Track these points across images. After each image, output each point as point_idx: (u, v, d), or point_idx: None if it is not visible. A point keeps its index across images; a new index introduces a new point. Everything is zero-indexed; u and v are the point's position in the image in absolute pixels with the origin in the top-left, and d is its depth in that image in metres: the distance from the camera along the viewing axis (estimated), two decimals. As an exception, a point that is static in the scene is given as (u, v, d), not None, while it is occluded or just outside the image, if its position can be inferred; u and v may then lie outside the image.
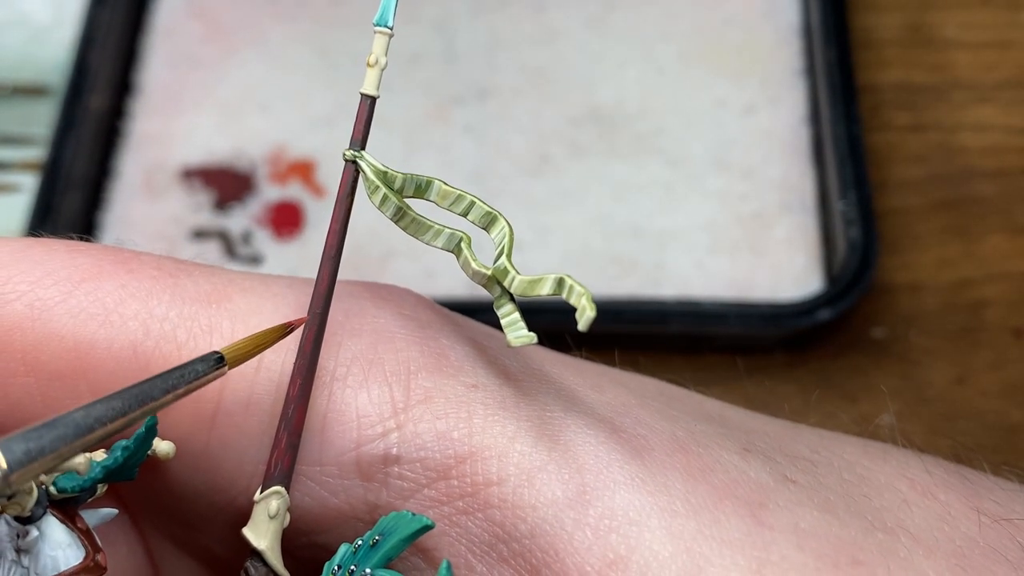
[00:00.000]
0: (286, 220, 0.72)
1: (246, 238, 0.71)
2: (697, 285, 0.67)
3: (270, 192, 0.72)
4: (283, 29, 0.78)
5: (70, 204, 0.70)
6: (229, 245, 0.71)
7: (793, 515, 0.34)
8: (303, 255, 0.70)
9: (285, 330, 0.34)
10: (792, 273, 0.67)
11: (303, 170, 0.73)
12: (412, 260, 0.69)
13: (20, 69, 0.79)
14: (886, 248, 0.68)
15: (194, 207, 0.72)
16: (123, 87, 0.76)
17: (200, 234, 0.71)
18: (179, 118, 0.75)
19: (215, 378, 0.32)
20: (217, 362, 0.32)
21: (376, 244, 0.69)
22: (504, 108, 0.74)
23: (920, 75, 0.74)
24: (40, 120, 0.76)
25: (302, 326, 0.35)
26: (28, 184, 0.73)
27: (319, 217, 0.71)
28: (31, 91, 0.78)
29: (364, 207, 0.68)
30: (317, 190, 0.72)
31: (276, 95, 0.76)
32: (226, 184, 0.73)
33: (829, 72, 0.70)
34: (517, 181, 0.71)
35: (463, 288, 0.67)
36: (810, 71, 0.73)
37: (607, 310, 0.64)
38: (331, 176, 0.73)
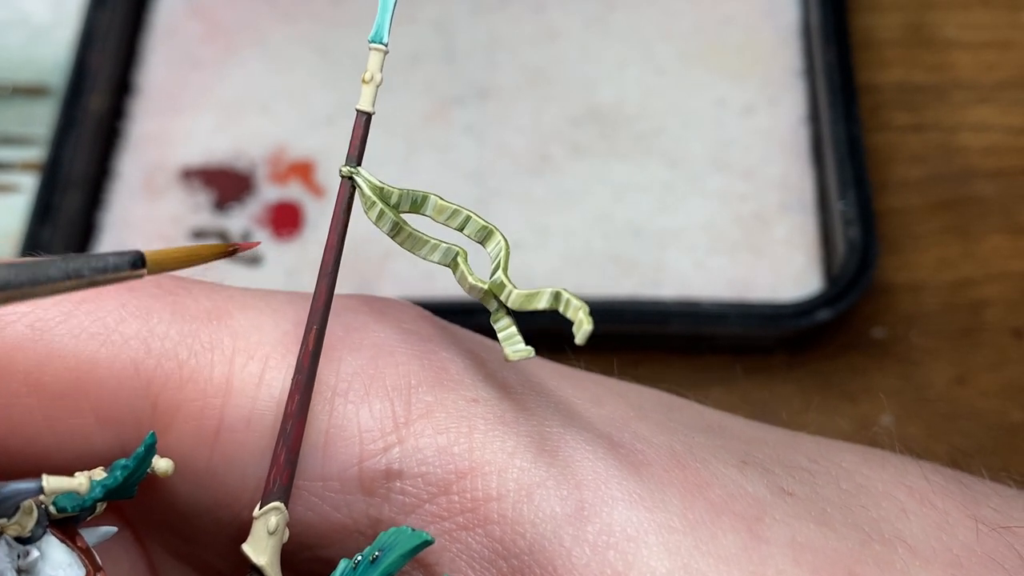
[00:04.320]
0: (286, 220, 0.72)
1: (245, 238, 0.71)
2: (697, 285, 0.67)
3: (270, 192, 0.72)
4: (283, 29, 0.78)
5: (70, 204, 0.70)
6: (229, 245, 0.71)
7: (790, 529, 0.34)
8: (302, 255, 0.70)
9: (227, 250, 0.33)
10: (792, 273, 0.67)
11: (303, 170, 0.73)
12: (411, 261, 0.68)
13: (20, 69, 0.79)
14: (886, 248, 0.68)
15: (194, 207, 0.72)
16: (123, 87, 0.76)
17: (199, 234, 0.71)
18: (179, 118, 0.75)
19: (128, 278, 0.29)
20: (134, 264, 0.29)
21: (375, 245, 0.69)
22: (504, 108, 0.74)
23: (920, 75, 0.74)
24: (40, 120, 0.76)
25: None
26: (28, 184, 0.73)
27: (319, 217, 0.71)
28: (31, 91, 0.78)
29: (362, 210, 0.69)
30: (317, 190, 0.72)
31: (276, 95, 0.76)
32: (226, 184, 0.73)
33: (829, 72, 0.70)
34: (517, 181, 0.71)
35: (459, 293, 0.67)
36: (810, 71, 0.73)
37: (607, 310, 0.64)
38: (331, 176, 0.73)
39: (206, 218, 0.72)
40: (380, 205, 0.35)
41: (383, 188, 0.35)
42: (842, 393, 0.65)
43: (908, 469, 0.38)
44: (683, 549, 0.33)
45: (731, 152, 0.72)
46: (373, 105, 0.35)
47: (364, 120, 0.35)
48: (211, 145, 0.74)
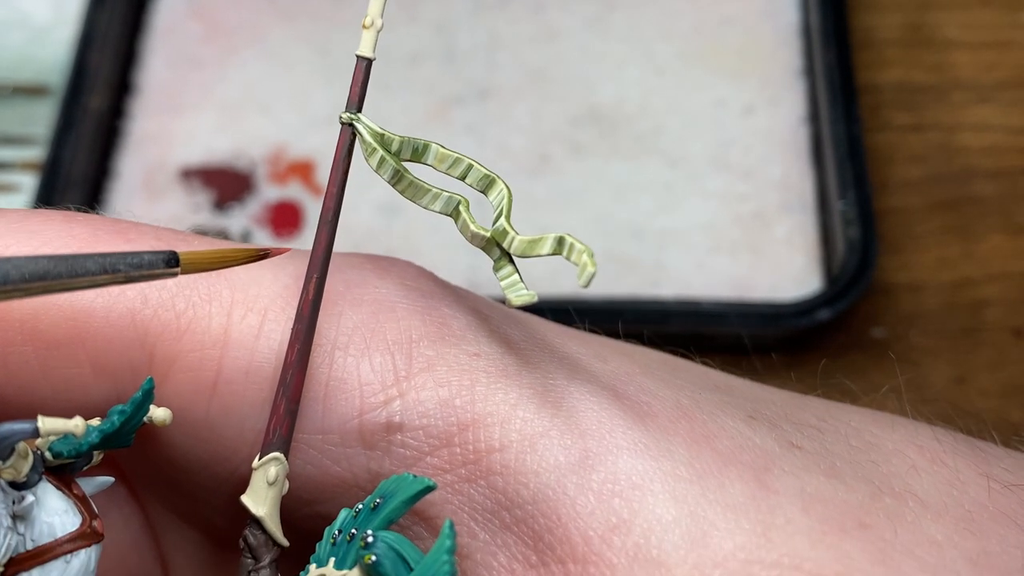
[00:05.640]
0: (285, 220, 0.72)
1: (245, 238, 0.71)
2: (697, 285, 0.67)
3: (269, 192, 0.72)
4: (283, 29, 0.78)
5: (70, 204, 0.69)
6: (228, 246, 0.71)
7: (799, 480, 0.34)
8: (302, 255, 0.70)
9: (258, 254, 0.34)
10: (792, 273, 0.67)
11: (303, 170, 0.73)
12: (411, 258, 0.68)
13: (20, 69, 0.79)
14: (886, 248, 0.68)
15: (193, 207, 0.72)
16: (123, 87, 0.76)
17: (199, 234, 0.71)
18: (179, 118, 0.75)
19: (162, 276, 0.31)
20: (168, 262, 0.31)
21: (375, 243, 0.69)
22: (504, 108, 0.74)
23: (920, 75, 0.74)
24: (40, 120, 0.76)
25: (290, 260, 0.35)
26: (28, 184, 0.73)
27: (318, 217, 0.71)
28: (31, 91, 0.78)
29: (363, 207, 0.68)
30: (317, 190, 0.72)
31: (276, 95, 0.76)
32: (225, 184, 0.73)
33: (829, 72, 0.70)
34: (517, 181, 0.71)
35: (461, 284, 0.67)
36: (810, 71, 0.74)
37: (607, 310, 0.64)
38: (331, 176, 0.73)
39: (206, 218, 0.72)
40: (381, 152, 0.35)
41: (384, 135, 0.35)
42: (842, 393, 0.65)
43: (919, 430, 0.38)
44: (690, 497, 0.32)
45: (731, 152, 0.72)
46: (374, 51, 0.35)
47: (365, 66, 0.35)
48: (211, 145, 0.74)
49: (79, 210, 0.69)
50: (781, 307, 0.64)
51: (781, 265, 0.68)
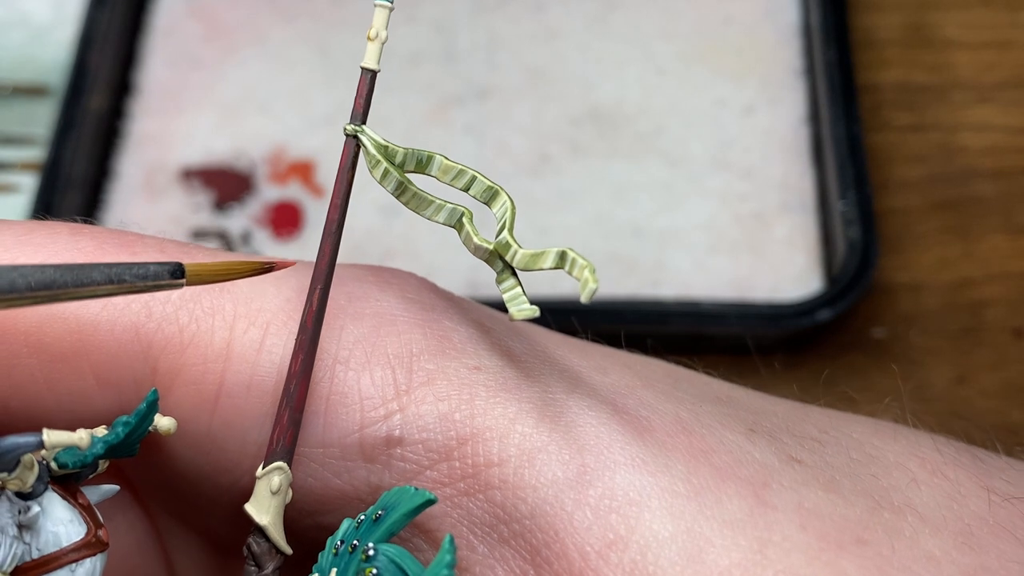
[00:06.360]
0: (285, 220, 0.72)
1: (245, 238, 0.71)
2: (697, 285, 0.67)
3: (270, 192, 0.72)
4: (283, 29, 0.78)
5: (70, 204, 0.70)
6: (228, 245, 0.71)
7: (797, 495, 0.34)
8: (302, 256, 0.69)
9: (263, 267, 0.34)
10: (792, 273, 0.67)
11: (303, 170, 0.73)
12: (411, 260, 0.69)
13: (20, 69, 0.79)
14: (886, 248, 0.68)
15: (193, 207, 0.72)
16: (123, 87, 0.76)
17: (199, 234, 0.71)
18: (179, 118, 0.75)
19: (167, 288, 0.31)
20: (173, 274, 0.31)
21: (375, 244, 0.69)
22: (504, 108, 0.74)
23: (920, 75, 0.74)
24: (40, 120, 0.76)
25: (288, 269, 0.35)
26: (28, 184, 0.73)
27: (318, 217, 0.71)
28: (31, 91, 0.78)
29: (362, 208, 0.68)
30: (317, 190, 0.72)
31: (276, 95, 0.76)
32: (226, 184, 0.73)
33: (829, 72, 0.70)
34: (517, 181, 0.71)
35: (463, 288, 0.67)
36: (810, 71, 0.74)
37: (607, 310, 0.64)
38: (331, 176, 0.72)
39: (206, 218, 0.72)
40: (385, 164, 0.35)
41: (388, 147, 0.35)
42: (842, 393, 0.65)
43: (920, 441, 0.38)
44: (687, 513, 0.33)
45: (731, 152, 0.72)
46: (378, 62, 0.35)
47: (369, 77, 0.35)
48: (211, 145, 0.74)
49: (84, 220, 0.70)
50: (781, 307, 0.64)
51: (781, 265, 0.68)
